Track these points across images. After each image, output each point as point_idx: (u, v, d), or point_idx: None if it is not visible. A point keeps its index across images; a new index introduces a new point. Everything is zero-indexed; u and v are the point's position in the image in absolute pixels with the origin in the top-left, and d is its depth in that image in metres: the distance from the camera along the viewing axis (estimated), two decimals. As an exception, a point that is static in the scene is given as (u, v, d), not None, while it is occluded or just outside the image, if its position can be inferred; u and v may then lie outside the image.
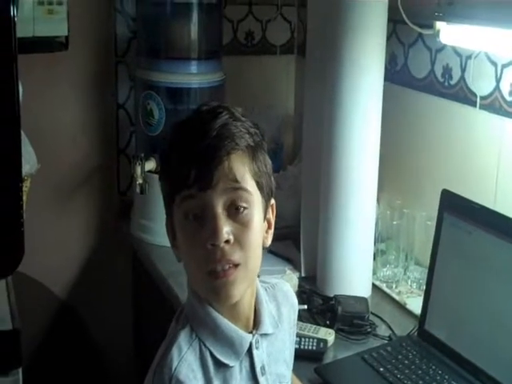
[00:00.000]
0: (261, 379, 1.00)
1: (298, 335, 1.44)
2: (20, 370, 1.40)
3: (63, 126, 2.18)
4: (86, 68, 2.19)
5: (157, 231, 1.98)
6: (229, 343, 0.96)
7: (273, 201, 1.01)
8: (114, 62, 2.22)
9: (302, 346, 1.43)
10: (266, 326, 1.02)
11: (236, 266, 0.92)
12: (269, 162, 0.99)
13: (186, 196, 0.92)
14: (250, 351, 0.99)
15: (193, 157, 0.91)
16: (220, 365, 0.96)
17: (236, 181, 0.92)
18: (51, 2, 1.88)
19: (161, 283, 1.84)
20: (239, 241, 0.92)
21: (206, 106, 0.97)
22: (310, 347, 1.45)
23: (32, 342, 2.18)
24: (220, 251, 0.91)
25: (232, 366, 0.97)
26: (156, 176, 1.95)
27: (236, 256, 0.92)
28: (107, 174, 2.27)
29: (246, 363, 0.99)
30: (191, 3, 1.98)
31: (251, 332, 1.00)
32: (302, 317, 1.56)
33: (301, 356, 1.38)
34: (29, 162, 1.66)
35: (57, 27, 1.90)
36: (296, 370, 1.22)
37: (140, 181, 1.93)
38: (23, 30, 1.69)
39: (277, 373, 1.04)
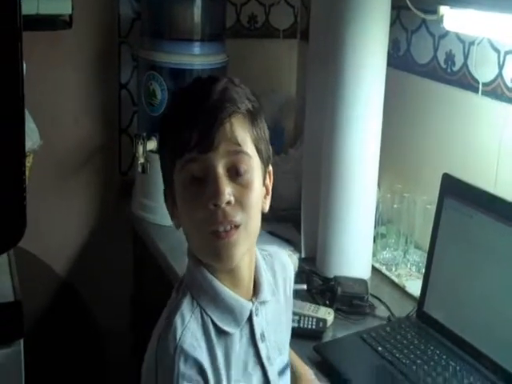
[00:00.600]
0: (261, 346, 1.01)
1: (298, 314, 1.46)
2: (21, 341, 1.41)
3: (65, 105, 2.19)
4: (89, 47, 2.19)
5: (158, 210, 1.99)
6: (229, 310, 0.97)
7: (270, 167, 1.02)
8: (118, 42, 2.22)
9: (301, 325, 1.45)
10: (265, 293, 1.03)
11: (237, 227, 0.93)
12: (267, 129, 1.00)
13: (187, 160, 0.93)
14: (250, 318, 1.00)
15: (194, 120, 0.92)
16: (221, 332, 0.97)
17: (237, 144, 0.93)
18: (56, -21, 1.88)
19: (161, 261, 1.85)
20: (240, 202, 0.93)
21: (204, 76, 0.99)
22: (310, 326, 1.46)
23: (32, 317, 2.19)
24: (222, 212, 0.92)
25: (232, 334, 0.98)
26: (157, 156, 1.99)
27: (237, 217, 0.93)
28: (109, 153, 2.28)
29: (246, 330, 1.00)
30: (195, -16, 1.99)
31: (251, 300, 1.01)
32: (302, 296, 1.58)
33: (300, 334, 1.40)
34: (31, 139, 1.66)
35: (61, 5, 1.89)
36: (295, 348, 1.24)
37: (142, 160, 1.93)
38: (27, 7, 1.68)
39: (275, 340, 1.05)
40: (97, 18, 2.18)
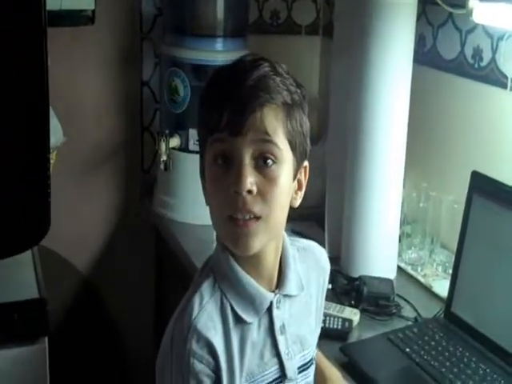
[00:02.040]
0: (279, 338, 0.99)
1: (324, 314, 1.44)
2: (46, 339, 1.41)
3: (88, 102, 2.18)
4: (112, 43, 2.18)
5: (180, 208, 1.98)
6: (249, 299, 0.96)
7: (306, 163, 1.00)
8: (140, 39, 2.21)
9: (327, 325, 1.43)
10: (290, 286, 1.01)
11: (257, 218, 0.92)
12: (307, 123, 0.98)
13: (216, 139, 0.92)
14: (269, 310, 0.98)
15: (226, 102, 0.91)
16: (239, 319, 0.96)
17: (267, 133, 0.91)
18: (79, -25, 1.87)
19: (183, 259, 1.84)
20: (263, 194, 0.92)
21: (250, 55, 0.97)
22: (336, 326, 1.44)
23: (55, 315, 2.19)
24: (242, 200, 0.91)
25: (250, 323, 0.96)
26: (179, 153, 2.00)
27: (257, 208, 0.91)
28: (131, 150, 2.27)
29: (264, 320, 0.98)
30: (218, -20, 1.97)
31: (274, 291, 0.99)
32: (327, 296, 1.53)
33: (326, 335, 1.37)
34: (55, 135, 1.66)
35: (83, 0, 1.89)
36: (321, 349, 1.22)
37: (164, 157, 1.93)
38: (50, 3, 1.67)
39: (298, 334, 1.03)
40: (119, 14, 2.17)
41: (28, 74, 1.30)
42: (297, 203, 0.99)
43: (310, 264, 1.07)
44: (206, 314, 0.93)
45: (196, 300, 0.94)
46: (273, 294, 0.98)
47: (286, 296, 1.00)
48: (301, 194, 1.00)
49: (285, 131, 0.93)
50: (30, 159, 1.31)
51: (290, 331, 1.01)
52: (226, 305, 0.95)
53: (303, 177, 1.00)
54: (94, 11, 1.93)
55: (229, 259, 0.96)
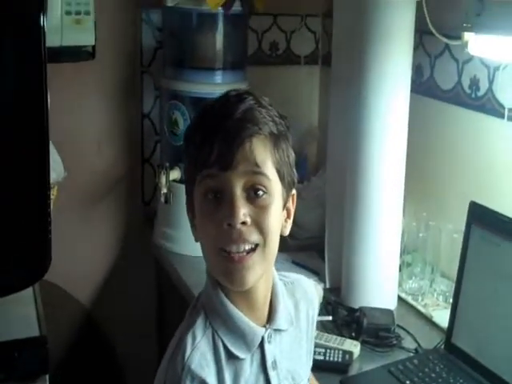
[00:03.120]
0: (271, 373, 0.99)
1: (324, 347, 1.44)
2: (47, 377, 1.40)
3: (89, 135, 2.20)
4: (112, 77, 2.20)
5: (180, 240, 1.98)
6: (240, 335, 0.96)
7: (294, 191, 1.01)
8: (140, 72, 2.24)
9: (327, 358, 1.43)
10: (281, 321, 1.01)
11: (253, 249, 0.92)
12: (292, 153, 0.99)
13: (206, 175, 0.93)
14: (261, 345, 0.98)
15: (215, 137, 0.92)
16: (231, 356, 0.96)
17: (256, 165, 0.92)
18: (79, 11, 1.89)
19: (184, 292, 1.84)
20: (257, 223, 0.92)
21: (233, 91, 0.98)
22: (336, 359, 1.44)
23: (56, 349, 2.19)
24: (237, 232, 0.91)
25: (243, 358, 0.96)
26: (180, 185, 2.00)
27: (253, 237, 0.92)
28: (132, 183, 2.28)
29: (257, 356, 0.98)
30: (217, 14, 1.99)
31: (265, 326, 0.99)
32: (327, 328, 1.55)
33: (326, 368, 1.38)
34: (55, 170, 1.67)
35: (84, 37, 1.91)
36: (322, 382, 1.22)
37: (164, 190, 1.93)
38: (51, 40, 1.70)
39: (289, 369, 1.03)
40: (119, 48, 2.20)
41: (28, 111, 1.31)
42: (287, 231, 1.00)
43: (298, 298, 1.07)
44: (199, 353, 0.93)
45: (188, 339, 0.94)
46: (264, 329, 0.99)
47: (276, 330, 1.00)
48: (290, 222, 1.01)
49: (273, 161, 0.94)
50: (30, 197, 1.31)
51: (281, 366, 1.01)
52: (218, 342, 0.95)
53: (291, 205, 1.01)
54: (94, 47, 1.95)
55: (219, 295, 0.96)
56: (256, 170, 0.92)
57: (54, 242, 1.36)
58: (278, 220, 0.96)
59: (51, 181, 1.44)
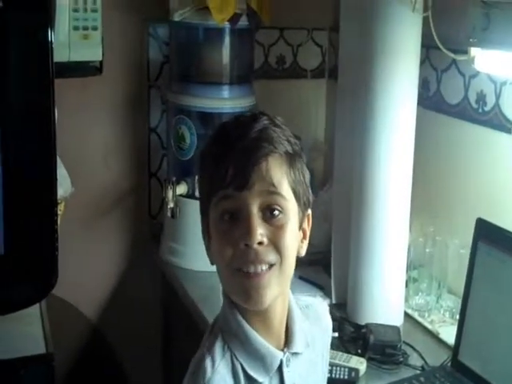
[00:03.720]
0: None
1: (329, 364, 1.42)
2: (53, 395, 1.41)
3: (96, 150, 2.21)
4: (119, 92, 2.21)
5: (187, 255, 1.98)
6: (259, 358, 0.96)
7: (309, 211, 1.00)
8: (147, 86, 2.25)
9: (333, 375, 1.42)
10: (298, 344, 1.00)
11: (271, 267, 0.92)
12: (307, 172, 0.99)
13: (222, 196, 0.92)
14: (280, 369, 0.97)
15: (230, 157, 0.92)
16: (250, 379, 0.95)
17: (272, 184, 0.92)
18: (86, 27, 1.90)
19: (191, 307, 1.84)
20: (274, 242, 0.92)
21: (248, 112, 0.98)
22: (342, 376, 1.43)
23: (63, 365, 2.19)
24: (253, 252, 0.91)
25: (261, 382, 0.96)
26: (187, 200, 2.00)
27: (271, 257, 0.92)
28: (139, 197, 2.29)
29: (275, 380, 0.98)
30: (223, 28, 2.00)
31: (282, 349, 0.99)
32: (333, 345, 1.52)
33: (332, 385, 1.37)
34: (62, 186, 1.67)
35: (91, 52, 1.92)
36: (328, 400, 1.21)
37: (171, 205, 1.93)
38: (59, 55, 1.71)
39: None
40: (126, 63, 2.21)
41: (35, 127, 1.32)
42: (303, 252, 1.00)
43: (312, 321, 1.07)
44: (219, 376, 0.93)
45: (208, 363, 0.93)
46: (282, 353, 0.98)
47: (293, 354, 1.00)
48: (306, 243, 1.00)
49: (288, 181, 0.94)
50: (38, 213, 1.32)
51: None
52: (237, 365, 0.95)
53: (307, 226, 1.01)
54: (101, 62, 1.96)
55: (237, 316, 0.96)
56: (272, 190, 0.92)
57: (61, 256, 1.37)
58: (295, 240, 0.96)
59: (58, 196, 1.45)
